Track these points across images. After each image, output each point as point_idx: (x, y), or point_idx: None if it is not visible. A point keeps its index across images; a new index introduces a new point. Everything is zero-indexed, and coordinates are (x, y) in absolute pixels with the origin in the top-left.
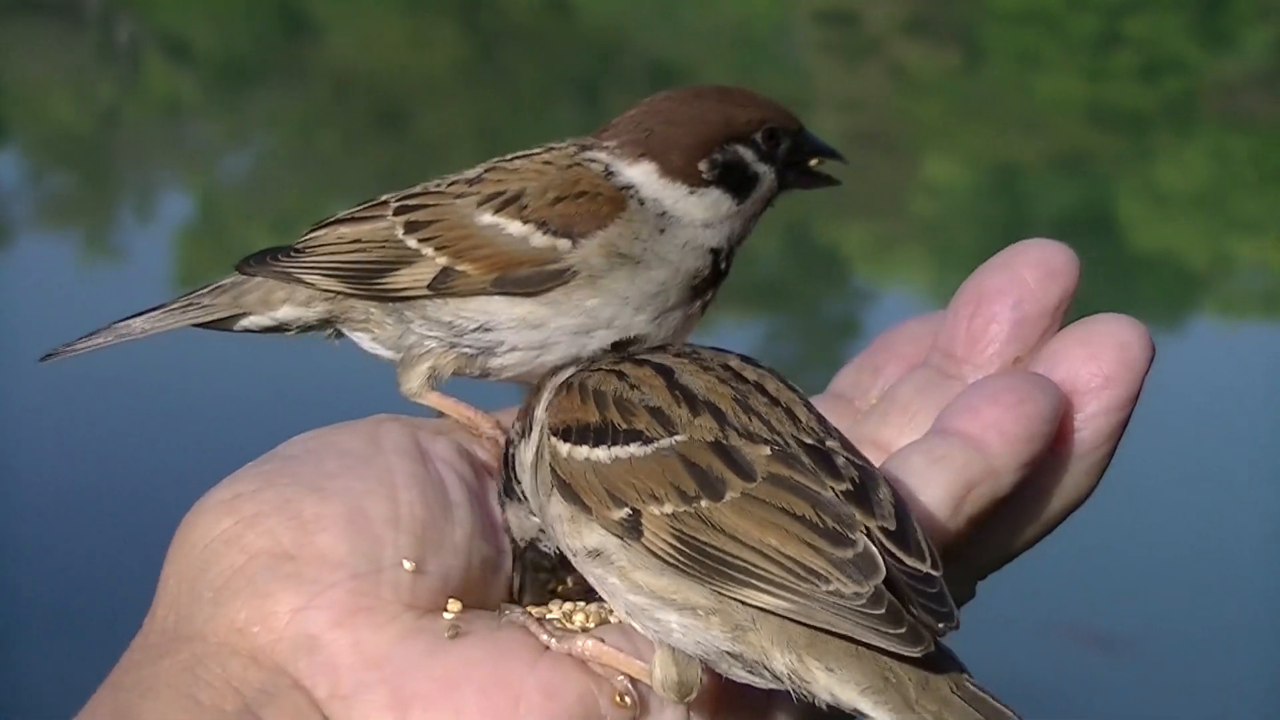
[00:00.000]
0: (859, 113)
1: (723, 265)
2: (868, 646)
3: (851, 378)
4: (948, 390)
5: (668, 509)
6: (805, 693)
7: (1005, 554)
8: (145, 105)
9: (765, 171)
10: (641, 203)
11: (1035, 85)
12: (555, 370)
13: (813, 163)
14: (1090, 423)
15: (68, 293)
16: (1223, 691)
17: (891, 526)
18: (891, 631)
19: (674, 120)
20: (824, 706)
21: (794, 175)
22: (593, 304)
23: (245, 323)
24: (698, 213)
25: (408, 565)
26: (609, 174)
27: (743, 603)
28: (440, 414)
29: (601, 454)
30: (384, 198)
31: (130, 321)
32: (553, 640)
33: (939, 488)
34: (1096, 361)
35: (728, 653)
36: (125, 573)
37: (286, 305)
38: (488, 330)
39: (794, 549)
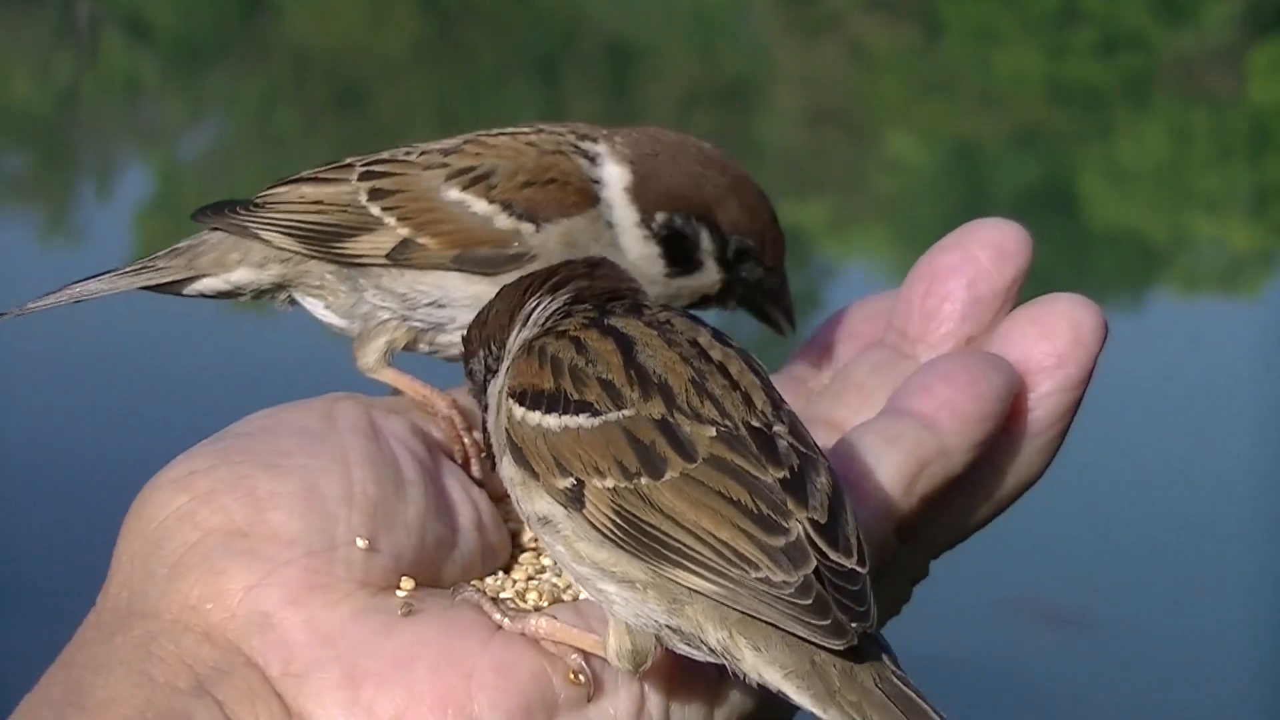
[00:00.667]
0: (818, 90)
1: None
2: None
3: (806, 357)
4: (902, 369)
5: (609, 483)
6: (736, 670)
7: (959, 533)
8: (104, 84)
9: (712, 269)
10: (600, 200)
11: (994, 61)
12: (527, 319)
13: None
14: (1043, 402)
15: (27, 271)
16: (1182, 668)
17: (821, 519)
18: (816, 623)
19: (680, 163)
20: (755, 686)
21: (742, 295)
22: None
23: (199, 285)
24: (634, 251)
25: (361, 543)
26: (592, 160)
27: (675, 582)
28: (395, 391)
29: (552, 421)
30: (350, 160)
31: (85, 283)
32: (505, 619)
33: (892, 467)
34: (1049, 341)
35: (666, 625)
36: (90, 550)
37: (241, 267)
38: (441, 306)
39: (727, 533)
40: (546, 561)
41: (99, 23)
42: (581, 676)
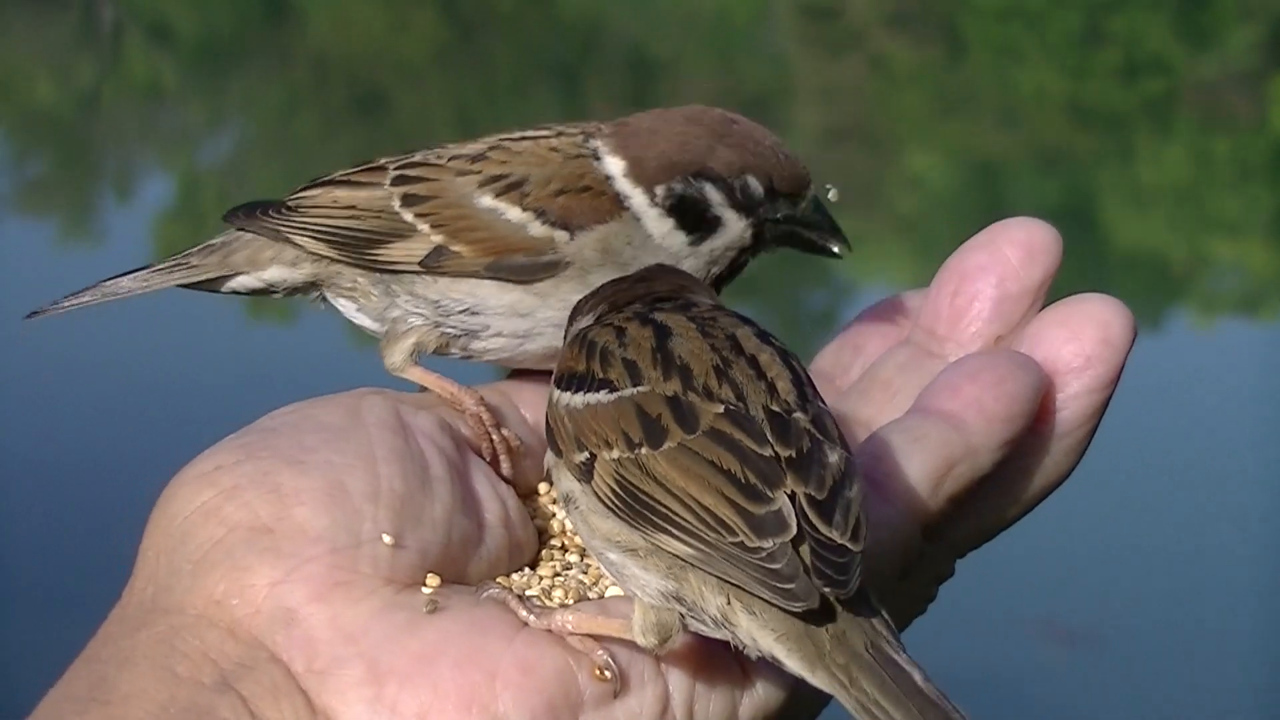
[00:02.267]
0: (839, 105)
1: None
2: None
3: (834, 355)
4: (929, 368)
5: (614, 454)
6: (736, 640)
7: (985, 533)
8: (126, 88)
9: (733, 219)
10: (621, 199)
11: (1016, 81)
12: (585, 312)
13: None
14: (1071, 402)
15: (47, 275)
16: (1191, 687)
17: (819, 496)
18: (780, 585)
19: (661, 132)
20: (753, 656)
21: (779, 234)
22: (577, 300)
23: (233, 284)
24: (655, 231)
25: (387, 540)
26: (598, 159)
27: (660, 547)
28: (423, 389)
29: (578, 400)
30: (382, 161)
31: (118, 280)
32: (531, 616)
33: (919, 466)
34: (1078, 341)
35: (671, 595)
36: (110, 549)
37: (274, 266)
38: (475, 314)
39: (710, 499)
40: (573, 558)
41: (121, 27)
42: (608, 673)
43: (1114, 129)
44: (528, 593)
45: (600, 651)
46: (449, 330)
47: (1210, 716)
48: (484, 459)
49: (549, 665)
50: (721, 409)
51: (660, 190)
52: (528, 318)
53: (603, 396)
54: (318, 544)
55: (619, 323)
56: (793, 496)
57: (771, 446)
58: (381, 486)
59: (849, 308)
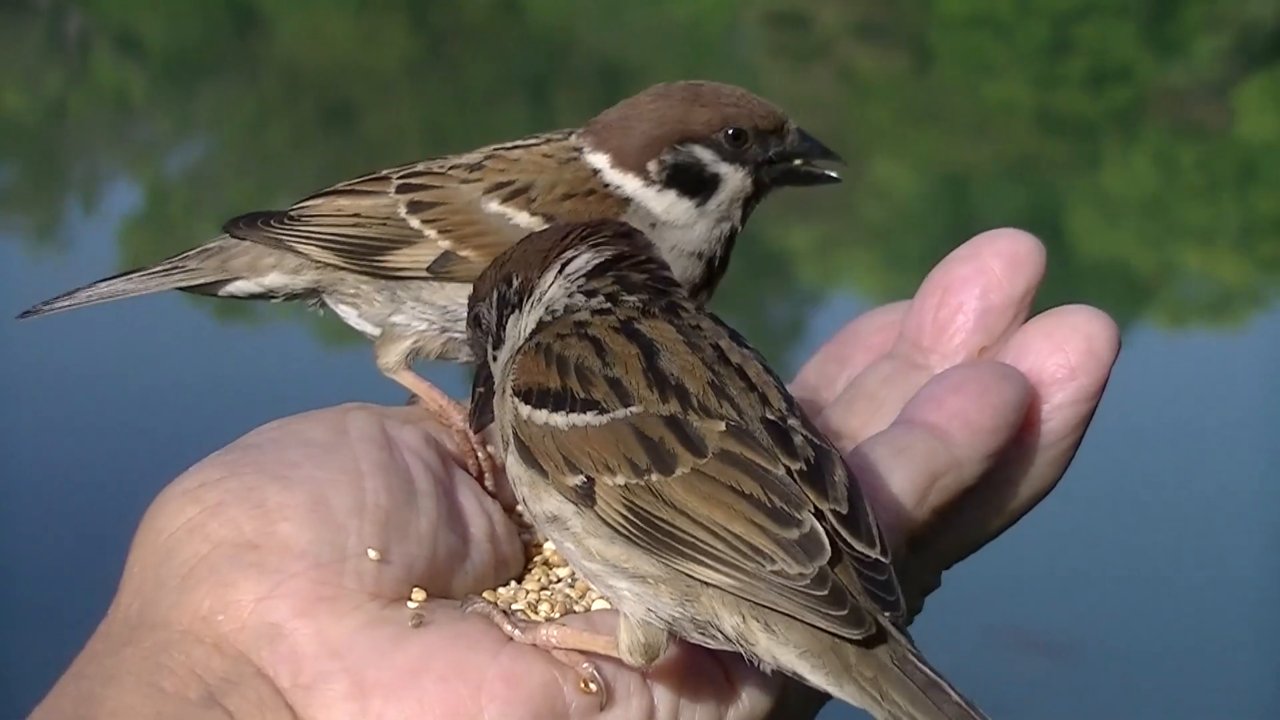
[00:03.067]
0: (808, 115)
1: (715, 267)
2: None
3: (818, 368)
4: (914, 380)
5: (620, 480)
6: (751, 655)
7: (971, 543)
8: (94, 98)
9: (730, 172)
10: (623, 198)
11: (984, 91)
12: (564, 266)
13: (798, 162)
14: (1056, 414)
15: (14, 284)
16: (1167, 697)
17: (844, 510)
18: (833, 613)
19: (634, 117)
20: (769, 671)
21: (776, 174)
22: None
23: (231, 288)
24: (658, 210)
25: (372, 554)
26: (580, 153)
27: (690, 576)
28: (411, 399)
29: (560, 420)
30: (385, 172)
31: (113, 282)
32: (516, 631)
33: (904, 478)
34: (1063, 353)
35: (680, 617)
36: (103, 557)
37: (275, 272)
38: None
39: (740, 527)
40: (560, 572)
41: (89, 37)
42: (593, 685)
43: (1082, 138)
44: (513, 607)
45: (585, 664)
46: (455, 335)
47: None
48: (470, 473)
49: (534, 678)
50: (724, 426)
51: (653, 166)
52: None
53: (591, 418)
54: (302, 559)
55: (594, 333)
56: (817, 514)
57: (781, 461)
58: (366, 501)
59: (816, 317)
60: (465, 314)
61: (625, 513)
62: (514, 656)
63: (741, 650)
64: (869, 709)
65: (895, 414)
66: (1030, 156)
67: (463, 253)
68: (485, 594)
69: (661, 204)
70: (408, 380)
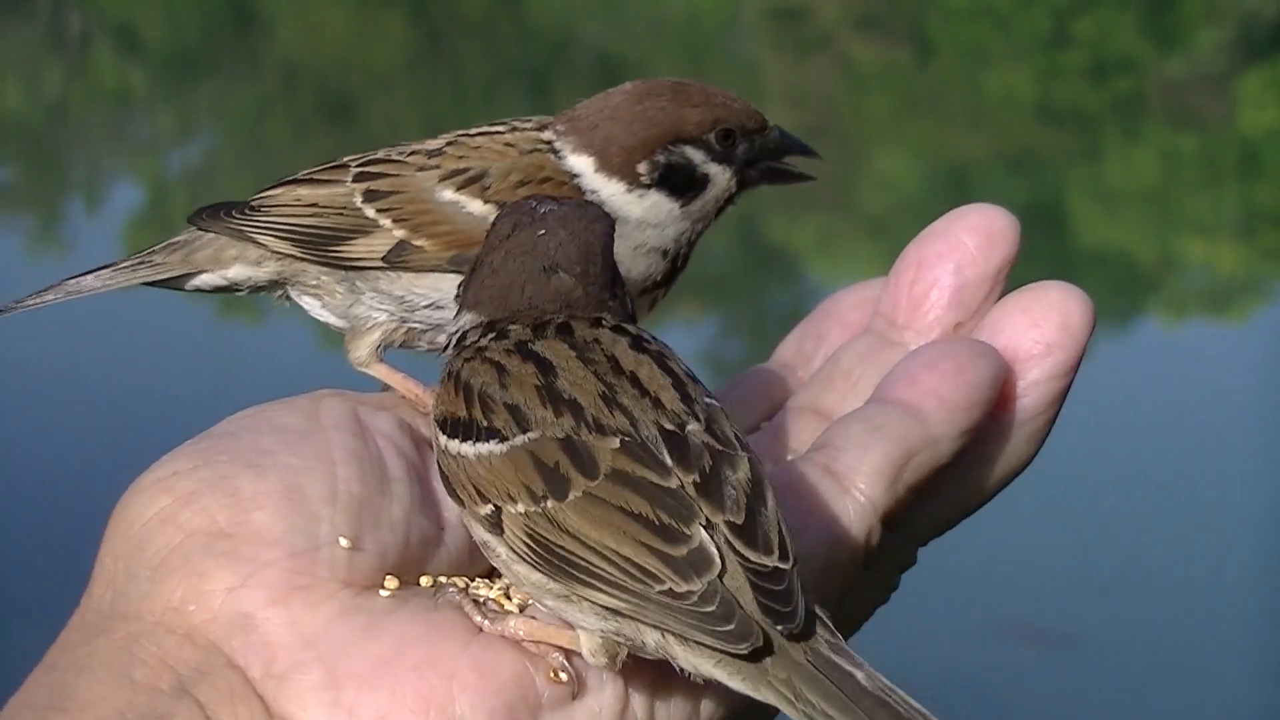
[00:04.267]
0: (808, 108)
1: (678, 265)
2: None
3: (795, 345)
4: (889, 356)
5: (520, 509)
6: (676, 666)
7: (947, 521)
8: (94, 95)
9: (718, 172)
10: (585, 192)
11: (985, 82)
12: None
13: (779, 160)
14: (1032, 390)
15: (17, 283)
16: (1167, 688)
17: (739, 520)
18: (718, 629)
19: (619, 117)
20: (700, 681)
21: (758, 174)
22: None
23: (196, 282)
24: (636, 213)
25: (344, 542)
26: (557, 155)
27: (589, 600)
28: (386, 387)
29: (469, 450)
30: (345, 160)
31: (81, 279)
32: (485, 621)
33: (878, 456)
34: (1038, 328)
35: (610, 632)
36: (76, 553)
37: (238, 264)
38: (439, 308)
39: (629, 549)
40: None
41: (89, 34)
42: (564, 675)
43: (1082, 130)
44: (485, 595)
45: (556, 654)
46: (415, 325)
47: (1184, 716)
48: None
49: (506, 668)
50: (617, 443)
51: (644, 167)
52: None
53: (494, 447)
54: (275, 548)
55: (497, 356)
56: (709, 526)
57: (675, 474)
58: (339, 489)
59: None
60: (423, 304)
61: (529, 541)
62: (486, 645)
63: (669, 660)
64: (785, 710)
65: (870, 391)
66: (1031, 148)
67: (417, 242)
68: (458, 580)
69: (642, 205)
70: (380, 372)
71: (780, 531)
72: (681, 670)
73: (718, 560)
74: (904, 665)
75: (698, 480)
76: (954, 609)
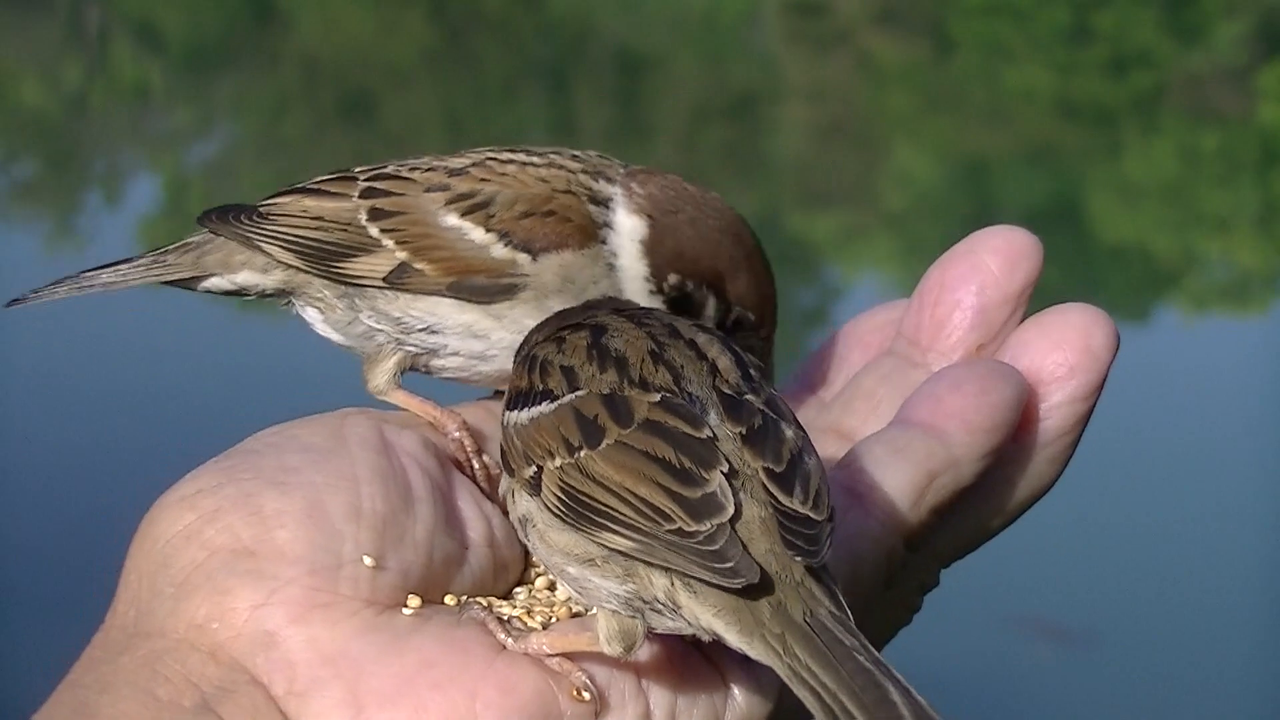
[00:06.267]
0: (827, 103)
1: None
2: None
3: (817, 366)
4: (912, 378)
5: (557, 462)
6: (682, 622)
7: (969, 542)
8: (113, 91)
9: (707, 318)
10: (604, 243)
11: (1004, 77)
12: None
13: None
14: (1054, 412)
15: (35, 278)
16: (1183, 685)
17: (779, 468)
18: (716, 565)
19: (697, 227)
20: (706, 639)
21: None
22: (531, 324)
23: (206, 284)
24: (633, 290)
25: (368, 561)
26: (604, 204)
27: (606, 546)
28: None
29: (523, 416)
30: (355, 170)
31: (96, 273)
32: (509, 639)
33: (901, 478)
34: (1061, 351)
35: (628, 597)
36: (110, 550)
37: (245, 270)
38: (434, 332)
39: (645, 489)
40: None
41: (108, 29)
42: (586, 694)
43: (1102, 125)
44: (508, 613)
45: (578, 673)
46: (411, 348)
47: (1201, 714)
48: (469, 478)
49: (529, 686)
50: (658, 398)
51: (673, 279)
52: (483, 339)
53: (545, 407)
54: (298, 566)
55: (561, 334)
56: (733, 474)
57: (712, 428)
58: (363, 507)
59: (838, 306)
60: (418, 327)
61: (560, 494)
62: (509, 663)
63: (680, 623)
64: (771, 664)
65: (893, 412)
66: (1050, 143)
67: (418, 265)
68: (481, 599)
69: (645, 302)
70: (399, 399)
71: (821, 486)
72: (684, 630)
73: (730, 505)
74: (921, 661)
75: (744, 432)
76: (971, 606)
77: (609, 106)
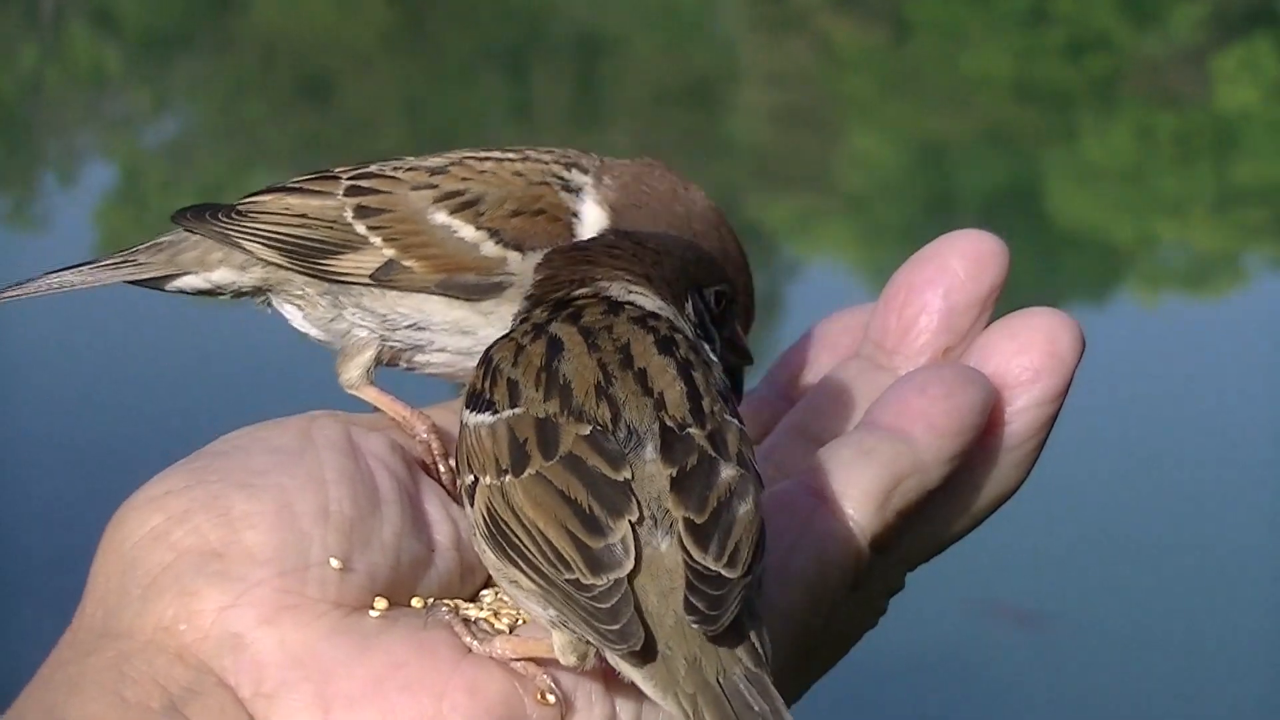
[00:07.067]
0: (786, 87)
1: None
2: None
3: (786, 368)
4: (879, 381)
5: (487, 481)
6: (611, 663)
7: (935, 546)
8: (69, 73)
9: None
10: (573, 233)
11: (962, 61)
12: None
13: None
14: (1020, 416)
15: None
16: (1143, 665)
17: (699, 519)
18: (602, 626)
19: (660, 222)
20: (627, 681)
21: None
22: None
23: (179, 283)
24: None
25: (335, 563)
26: (575, 193)
27: (517, 583)
28: (376, 409)
29: (471, 420)
30: (337, 170)
31: (63, 274)
32: (474, 642)
33: (867, 481)
34: (1027, 355)
35: (556, 620)
36: (81, 548)
37: (222, 268)
38: (421, 329)
39: (554, 532)
40: None
41: (63, 12)
42: (551, 697)
43: (1059, 108)
44: (475, 615)
45: (543, 676)
46: (395, 344)
47: (1164, 693)
48: (437, 480)
49: (495, 688)
50: (587, 430)
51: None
52: (471, 335)
53: (486, 418)
54: (266, 568)
55: (520, 338)
56: (639, 523)
57: (630, 469)
58: (331, 509)
59: (795, 287)
60: (404, 324)
61: (486, 516)
62: (475, 665)
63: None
64: None
65: (860, 415)
66: (1008, 127)
67: (406, 262)
68: (448, 601)
69: None
70: (370, 395)
71: (744, 542)
72: (615, 669)
73: (629, 561)
74: (886, 645)
75: (674, 474)
76: (935, 590)
77: (568, 89)
